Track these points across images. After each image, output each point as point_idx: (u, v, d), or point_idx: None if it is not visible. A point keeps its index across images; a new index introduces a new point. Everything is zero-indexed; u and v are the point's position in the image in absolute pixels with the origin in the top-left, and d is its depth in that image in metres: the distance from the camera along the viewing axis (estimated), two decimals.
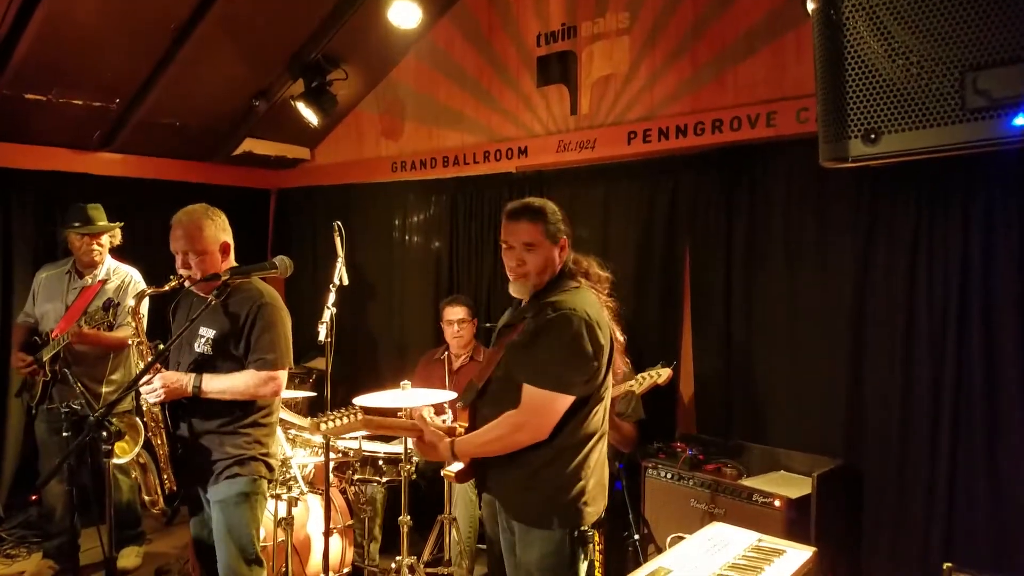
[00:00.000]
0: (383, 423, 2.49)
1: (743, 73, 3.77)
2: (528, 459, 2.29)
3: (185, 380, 2.73)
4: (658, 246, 4.13)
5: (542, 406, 2.22)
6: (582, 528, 2.27)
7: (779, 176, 3.68)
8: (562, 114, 4.49)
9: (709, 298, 3.95)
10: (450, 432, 2.43)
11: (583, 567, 2.31)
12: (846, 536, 3.37)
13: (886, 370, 3.35)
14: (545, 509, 2.29)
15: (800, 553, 2.25)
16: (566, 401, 2.22)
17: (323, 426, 2.39)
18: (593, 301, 2.33)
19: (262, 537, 3.06)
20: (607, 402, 2.40)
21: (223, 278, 2.68)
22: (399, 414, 3.56)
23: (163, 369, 2.78)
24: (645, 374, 3.35)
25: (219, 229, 2.86)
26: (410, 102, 5.28)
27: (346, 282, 3.31)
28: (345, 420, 2.42)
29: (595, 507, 2.33)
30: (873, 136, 1.53)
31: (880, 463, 3.36)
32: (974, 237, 3.11)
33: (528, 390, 2.23)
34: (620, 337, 2.43)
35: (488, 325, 4.68)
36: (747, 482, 3.34)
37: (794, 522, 3.08)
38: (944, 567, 2.81)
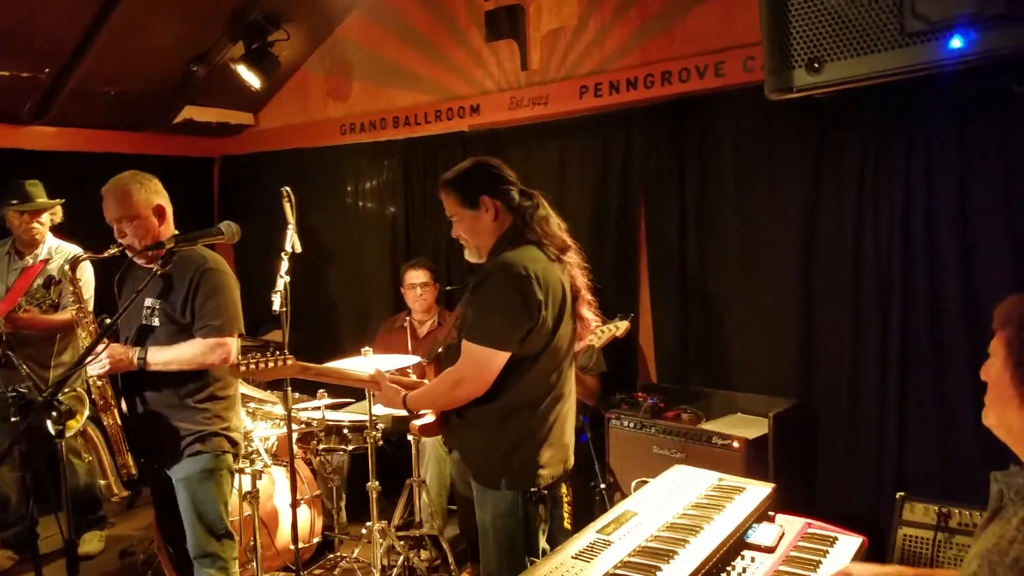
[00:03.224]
0: (328, 371, 2.46)
1: (691, 24, 3.76)
2: (482, 419, 2.30)
3: (130, 353, 2.67)
4: (613, 200, 4.14)
5: (477, 361, 2.22)
6: (533, 489, 2.25)
7: (728, 126, 3.70)
8: (513, 70, 4.43)
9: (664, 249, 3.99)
10: (413, 387, 2.47)
11: (542, 528, 2.32)
12: (803, 471, 3.49)
13: (836, 310, 3.44)
14: (496, 469, 2.30)
15: (760, 489, 2.31)
16: (502, 356, 2.20)
17: (243, 367, 2.37)
18: (537, 257, 2.28)
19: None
20: (568, 363, 2.39)
21: (167, 246, 2.59)
22: None
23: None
24: (604, 327, 3.38)
25: (150, 192, 2.77)
26: (357, 61, 5.15)
27: (298, 249, 3.24)
28: (271, 364, 2.41)
29: (551, 469, 2.31)
30: (817, 65, 1.54)
31: (833, 400, 3.46)
32: (916, 180, 3.18)
33: (465, 345, 2.24)
34: (586, 289, 2.43)
35: (449, 288, 4.65)
36: (706, 426, 3.42)
37: (753, 461, 3.17)
38: (896, 496, 2.93)
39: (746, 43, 3.49)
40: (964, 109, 3.02)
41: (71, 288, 2.87)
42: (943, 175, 3.11)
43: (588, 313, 2.45)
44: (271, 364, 2.45)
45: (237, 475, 3.25)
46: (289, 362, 2.48)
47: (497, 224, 2.36)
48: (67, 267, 2.87)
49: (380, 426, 3.62)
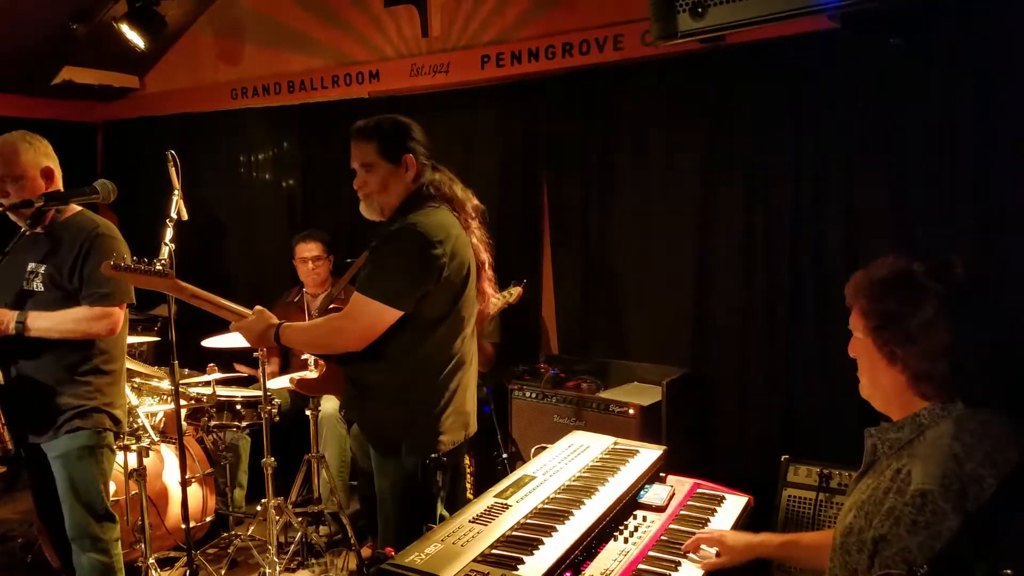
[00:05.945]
0: (206, 296, 2.36)
1: None
2: (382, 386, 2.28)
3: (6, 316, 2.51)
4: (517, 171, 4.14)
5: (363, 314, 2.19)
6: (433, 455, 2.25)
7: (628, 99, 3.75)
8: (414, 36, 4.34)
9: (566, 222, 4.03)
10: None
11: (441, 496, 2.31)
12: (695, 436, 3.61)
13: (728, 282, 3.56)
14: (395, 436, 2.28)
15: (652, 452, 2.39)
16: (391, 314, 2.17)
17: (118, 266, 2.28)
18: (448, 223, 2.27)
19: (112, 491, 2.88)
20: (471, 331, 2.38)
21: (36, 204, 2.46)
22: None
23: None
24: (498, 295, 3.38)
25: (39, 154, 2.66)
26: (250, 23, 4.92)
27: (184, 217, 3.07)
28: (148, 272, 2.31)
29: (451, 436, 2.31)
30: (700, 10, 1.56)
31: (724, 369, 3.59)
32: (803, 157, 3.31)
33: (355, 296, 2.21)
34: (488, 265, 2.42)
35: (348, 261, 4.54)
36: (604, 394, 3.51)
37: (647, 426, 3.28)
38: (782, 459, 3.08)
39: (644, 17, 3.51)
40: (846, 79, 3.14)
41: None
42: (832, 162, 3.23)
43: (489, 288, 2.47)
44: (148, 274, 2.32)
45: (123, 453, 3.10)
46: (166, 271, 2.35)
47: (409, 186, 2.33)
48: None
49: (276, 401, 3.52)
